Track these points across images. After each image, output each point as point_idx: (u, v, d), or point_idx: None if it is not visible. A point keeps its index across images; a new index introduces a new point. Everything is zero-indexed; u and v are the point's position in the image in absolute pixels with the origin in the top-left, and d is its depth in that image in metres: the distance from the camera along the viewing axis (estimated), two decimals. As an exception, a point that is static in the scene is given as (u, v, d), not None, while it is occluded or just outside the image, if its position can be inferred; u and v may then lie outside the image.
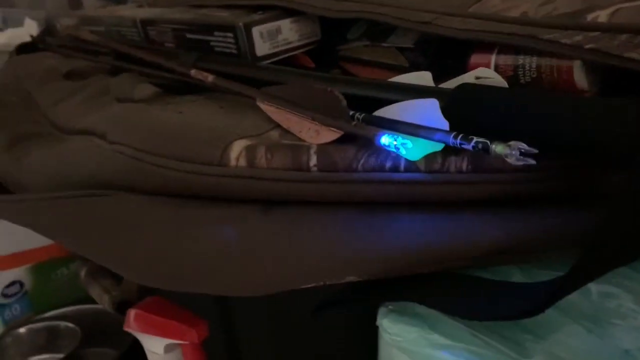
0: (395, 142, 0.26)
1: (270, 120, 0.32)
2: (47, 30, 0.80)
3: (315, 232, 0.27)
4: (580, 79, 0.30)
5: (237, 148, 0.29)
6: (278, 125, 0.32)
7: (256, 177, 0.28)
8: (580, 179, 0.25)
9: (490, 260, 0.26)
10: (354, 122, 0.28)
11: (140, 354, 0.46)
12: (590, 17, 0.29)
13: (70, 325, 0.71)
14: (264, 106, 0.33)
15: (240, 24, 0.46)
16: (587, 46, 0.28)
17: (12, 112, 0.46)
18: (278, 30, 0.48)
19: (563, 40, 0.29)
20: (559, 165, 0.24)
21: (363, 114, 0.29)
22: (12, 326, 0.72)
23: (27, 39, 0.77)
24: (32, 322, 0.72)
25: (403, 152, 0.26)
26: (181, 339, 0.44)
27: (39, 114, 0.48)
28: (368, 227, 0.27)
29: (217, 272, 0.27)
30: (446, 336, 0.26)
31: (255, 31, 0.46)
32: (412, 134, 0.26)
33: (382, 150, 0.27)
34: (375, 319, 0.28)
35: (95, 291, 0.53)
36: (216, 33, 0.48)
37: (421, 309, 0.27)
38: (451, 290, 0.27)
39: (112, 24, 0.62)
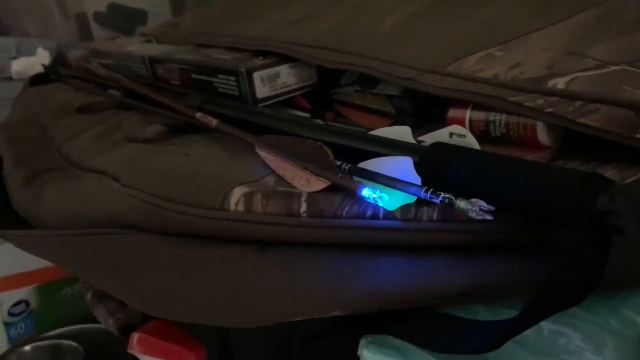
0: (374, 195, 0.29)
1: (266, 166, 0.36)
2: (58, 60, 0.84)
3: (304, 271, 0.31)
4: (542, 136, 0.34)
5: (236, 194, 0.32)
6: (273, 172, 0.35)
7: (253, 221, 0.32)
8: (534, 232, 0.28)
9: (459, 300, 0.30)
10: (339, 173, 0.32)
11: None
12: (550, 83, 0.33)
13: (73, 344, 0.74)
14: (262, 153, 0.37)
15: (242, 69, 0.50)
16: (547, 110, 0.32)
17: (30, 147, 0.50)
18: (277, 75, 0.52)
19: (526, 103, 0.33)
20: (516, 219, 0.28)
21: (349, 165, 0.33)
22: (17, 344, 0.75)
23: (40, 67, 0.81)
24: (36, 341, 0.75)
25: (380, 203, 0.29)
26: (180, 362, 0.47)
27: (54, 148, 0.52)
28: (351, 268, 0.30)
29: (217, 306, 0.31)
30: (418, 366, 0.29)
31: (256, 76, 0.50)
32: (390, 186, 0.30)
33: (364, 200, 0.30)
34: (357, 350, 0.32)
35: (100, 313, 0.56)
36: (220, 76, 0.52)
37: (397, 341, 0.30)
38: (424, 326, 0.30)
39: (121, 58, 0.66)
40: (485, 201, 0.26)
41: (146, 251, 0.33)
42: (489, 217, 0.26)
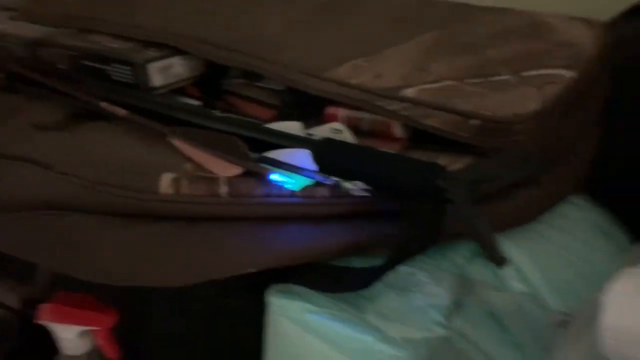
0: (281, 179, 0.39)
1: (182, 153, 0.43)
2: None
3: (225, 240, 0.39)
4: (398, 131, 0.46)
5: (165, 179, 0.39)
6: (190, 159, 0.43)
7: (181, 201, 0.39)
8: (396, 204, 0.40)
9: (343, 254, 0.40)
10: (252, 162, 0.41)
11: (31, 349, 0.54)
12: (404, 92, 0.44)
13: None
14: (176, 142, 0.44)
15: (139, 60, 0.54)
16: (401, 113, 0.43)
17: None
18: (170, 66, 0.57)
19: (386, 107, 0.44)
20: (383, 194, 0.39)
21: (259, 155, 0.41)
22: None
23: None
24: None
25: (287, 185, 0.39)
26: (94, 326, 0.52)
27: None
28: (263, 234, 0.39)
29: (152, 270, 0.38)
30: (314, 304, 0.39)
31: (151, 67, 0.55)
32: (293, 172, 0.39)
33: (273, 182, 0.40)
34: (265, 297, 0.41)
35: (-2, 290, 0.59)
36: (113, 64, 0.56)
37: (298, 287, 0.40)
38: (316, 274, 0.41)
39: (-10, 35, 0.65)
40: (362, 182, 0.37)
41: (86, 229, 0.39)
42: (365, 194, 0.37)
